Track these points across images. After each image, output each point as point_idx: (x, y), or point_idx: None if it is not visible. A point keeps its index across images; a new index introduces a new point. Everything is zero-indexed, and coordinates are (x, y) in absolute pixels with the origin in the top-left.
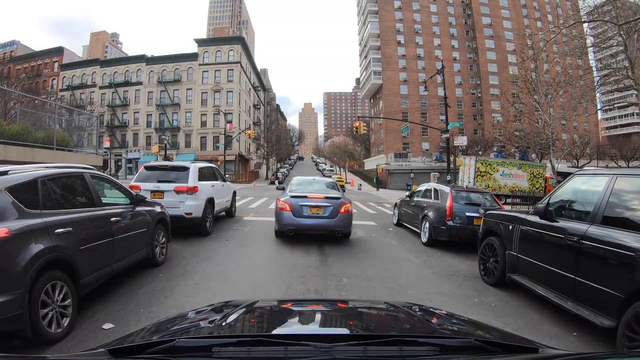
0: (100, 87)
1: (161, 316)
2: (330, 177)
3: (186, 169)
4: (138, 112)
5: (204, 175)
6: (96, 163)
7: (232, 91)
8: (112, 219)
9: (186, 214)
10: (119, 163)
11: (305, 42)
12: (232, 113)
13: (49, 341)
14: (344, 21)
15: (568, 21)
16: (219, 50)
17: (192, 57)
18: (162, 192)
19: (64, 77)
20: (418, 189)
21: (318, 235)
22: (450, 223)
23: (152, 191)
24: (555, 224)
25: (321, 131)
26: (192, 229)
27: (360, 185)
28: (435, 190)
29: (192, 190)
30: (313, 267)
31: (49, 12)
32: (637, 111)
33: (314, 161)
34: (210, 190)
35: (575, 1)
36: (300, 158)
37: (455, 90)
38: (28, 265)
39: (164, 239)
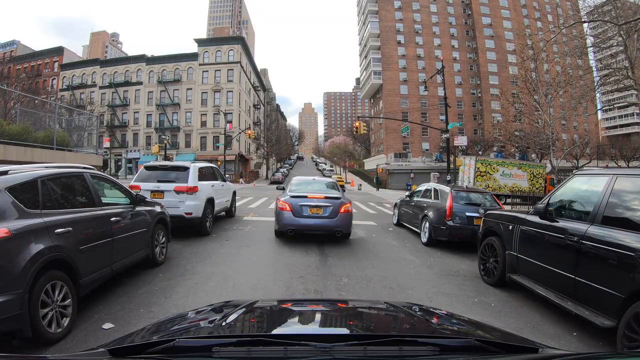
0: (100, 87)
1: (161, 316)
2: (330, 177)
3: (186, 169)
4: (138, 112)
5: (204, 175)
6: (96, 163)
7: (232, 91)
8: (112, 219)
9: (186, 214)
10: (119, 163)
11: (305, 42)
12: (232, 113)
13: (49, 341)
14: (344, 21)
15: (568, 21)
16: (219, 50)
17: (192, 57)
18: (162, 192)
19: (64, 77)
20: (418, 189)
21: (318, 235)
22: (450, 223)
23: (152, 191)
24: (555, 224)
25: (321, 131)
26: (192, 229)
27: (360, 185)
28: (435, 190)
29: (192, 190)
30: (313, 267)
31: (49, 12)
32: (637, 111)
33: (314, 161)
34: (210, 190)
35: (575, 1)
36: (300, 158)
37: (455, 90)
38: (28, 265)
39: (164, 238)
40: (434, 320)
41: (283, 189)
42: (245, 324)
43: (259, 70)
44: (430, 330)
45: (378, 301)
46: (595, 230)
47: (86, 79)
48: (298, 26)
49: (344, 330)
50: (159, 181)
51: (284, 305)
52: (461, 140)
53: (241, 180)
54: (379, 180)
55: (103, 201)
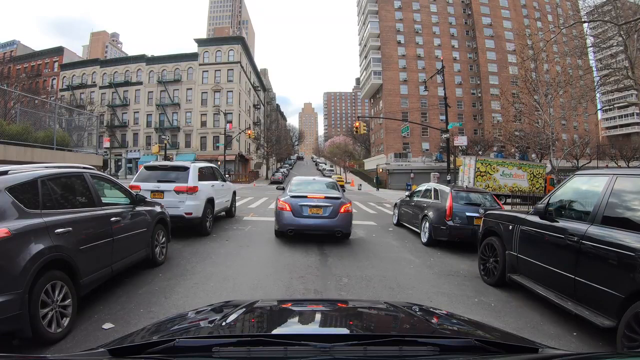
0: (100, 87)
1: (161, 316)
2: (330, 177)
3: (186, 169)
4: (138, 112)
5: (204, 175)
6: (96, 163)
7: (232, 91)
8: (112, 219)
9: (186, 214)
10: (119, 163)
11: (305, 42)
12: (232, 113)
13: (49, 341)
14: (344, 21)
15: (568, 21)
16: (219, 50)
17: (192, 57)
18: (162, 192)
19: (64, 77)
20: (418, 189)
21: (318, 235)
22: (450, 223)
23: (152, 191)
24: (555, 224)
25: (321, 131)
26: (192, 229)
27: (360, 185)
28: (435, 190)
29: (192, 190)
30: (313, 267)
31: (49, 12)
32: (637, 111)
33: (314, 161)
34: (210, 190)
35: (575, 1)
36: (300, 158)
37: (455, 90)
38: (28, 265)
39: (164, 238)
40: (434, 320)
41: (283, 189)
42: (245, 324)
43: (259, 70)
44: (430, 330)
45: (378, 301)
46: (595, 230)
47: (86, 79)
48: (298, 26)
49: (344, 330)
50: (159, 181)
51: (284, 305)
52: (461, 140)
53: None
54: (379, 180)
55: (103, 201)
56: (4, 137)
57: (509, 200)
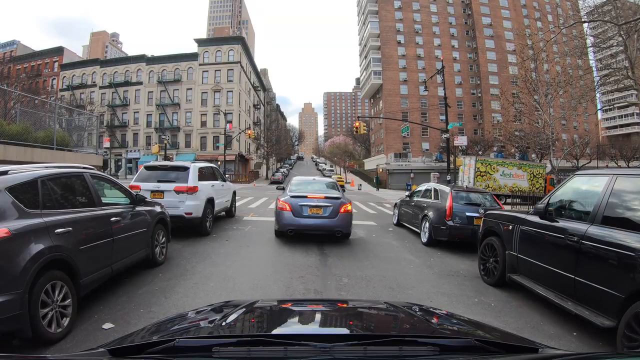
0: (100, 87)
1: (161, 316)
2: (330, 177)
3: (186, 168)
4: (138, 112)
5: (204, 175)
6: (96, 163)
7: (232, 91)
8: (112, 219)
9: (186, 214)
10: (119, 163)
11: (305, 42)
12: (232, 113)
13: (49, 341)
14: (344, 21)
15: (568, 21)
16: (219, 50)
17: (192, 57)
18: (162, 192)
19: (64, 77)
20: (418, 189)
21: (318, 235)
22: (450, 223)
23: (152, 191)
24: (555, 224)
25: (321, 131)
26: (192, 229)
27: (360, 185)
28: (435, 190)
29: (192, 190)
30: (313, 267)
31: (49, 12)
32: (637, 111)
33: (314, 161)
34: (210, 190)
35: (575, 1)
36: (300, 158)
37: (455, 90)
38: (28, 265)
39: (164, 238)
40: (434, 320)
41: (283, 189)
42: (245, 324)
43: (259, 70)
44: (430, 330)
45: (378, 301)
46: (595, 230)
47: (86, 79)
48: (298, 26)
49: (344, 330)
50: (159, 181)
51: (284, 305)
52: (461, 140)
53: None
54: (379, 180)
55: (103, 201)
56: (4, 137)
57: (509, 200)
